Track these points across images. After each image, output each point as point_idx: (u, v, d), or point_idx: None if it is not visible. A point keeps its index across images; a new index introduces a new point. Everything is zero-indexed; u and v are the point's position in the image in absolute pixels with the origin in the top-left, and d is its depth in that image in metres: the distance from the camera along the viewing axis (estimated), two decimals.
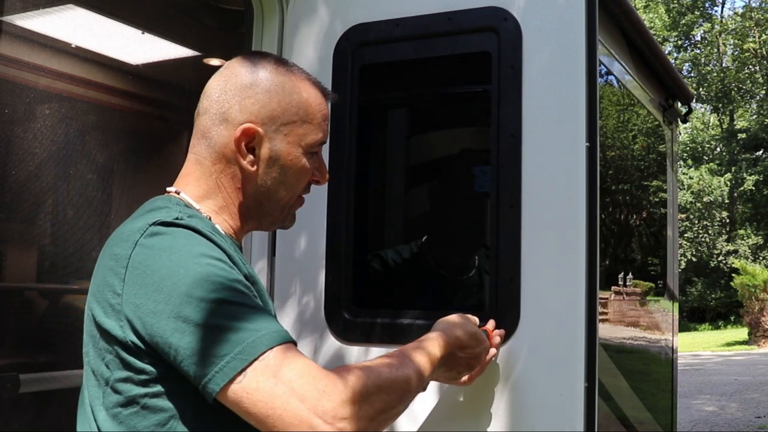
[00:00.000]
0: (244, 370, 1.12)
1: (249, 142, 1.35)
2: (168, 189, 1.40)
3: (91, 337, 1.26)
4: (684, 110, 3.34)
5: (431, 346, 1.44)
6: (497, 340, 1.71)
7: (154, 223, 1.23)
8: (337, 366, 1.24)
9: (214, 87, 1.40)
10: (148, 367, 1.19)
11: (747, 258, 28.58)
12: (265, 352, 1.13)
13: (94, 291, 1.26)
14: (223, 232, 1.36)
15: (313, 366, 1.18)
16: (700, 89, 32.78)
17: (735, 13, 33.78)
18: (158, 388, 1.20)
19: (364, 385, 1.20)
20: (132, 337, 1.18)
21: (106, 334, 1.21)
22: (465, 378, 1.67)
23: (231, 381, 1.12)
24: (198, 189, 1.38)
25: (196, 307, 1.14)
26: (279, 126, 1.38)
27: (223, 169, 1.38)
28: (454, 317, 1.59)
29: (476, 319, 1.64)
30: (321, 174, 1.48)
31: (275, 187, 1.40)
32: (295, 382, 1.13)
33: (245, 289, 1.21)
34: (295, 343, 1.20)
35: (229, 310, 1.16)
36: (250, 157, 1.36)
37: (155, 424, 1.20)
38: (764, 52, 31.82)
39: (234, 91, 1.36)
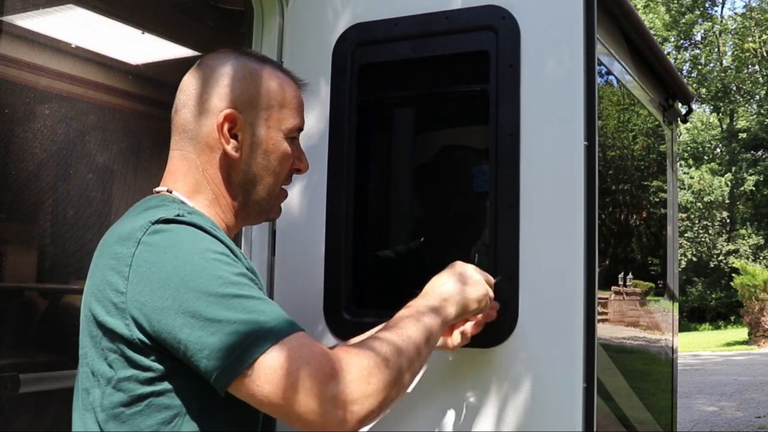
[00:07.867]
0: (253, 362, 1.13)
1: (231, 127, 1.38)
2: (157, 189, 1.40)
3: (91, 337, 1.25)
4: (684, 110, 3.34)
5: (439, 311, 1.43)
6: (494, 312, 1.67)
7: (157, 221, 1.23)
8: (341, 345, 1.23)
9: (190, 82, 1.42)
10: (155, 365, 1.20)
11: (747, 258, 28.59)
12: (273, 344, 1.14)
13: (92, 290, 1.25)
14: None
15: (319, 352, 1.19)
16: (700, 89, 32.77)
17: (735, 13, 33.81)
18: (163, 385, 1.20)
19: (370, 360, 1.20)
20: (138, 335, 1.18)
21: (110, 333, 1.21)
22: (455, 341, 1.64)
23: (241, 374, 1.14)
24: (187, 184, 1.39)
25: (204, 301, 1.15)
26: (258, 111, 1.40)
27: (208, 160, 1.39)
28: (471, 275, 1.54)
29: (491, 279, 1.60)
30: (301, 162, 1.50)
31: (260, 172, 1.42)
32: (303, 370, 1.14)
33: (250, 282, 1.22)
34: (302, 330, 1.21)
35: (237, 304, 1.16)
36: (234, 142, 1.38)
37: (159, 422, 1.20)
38: (764, 52, 31.81)
39: (211, 83, 1.39)
